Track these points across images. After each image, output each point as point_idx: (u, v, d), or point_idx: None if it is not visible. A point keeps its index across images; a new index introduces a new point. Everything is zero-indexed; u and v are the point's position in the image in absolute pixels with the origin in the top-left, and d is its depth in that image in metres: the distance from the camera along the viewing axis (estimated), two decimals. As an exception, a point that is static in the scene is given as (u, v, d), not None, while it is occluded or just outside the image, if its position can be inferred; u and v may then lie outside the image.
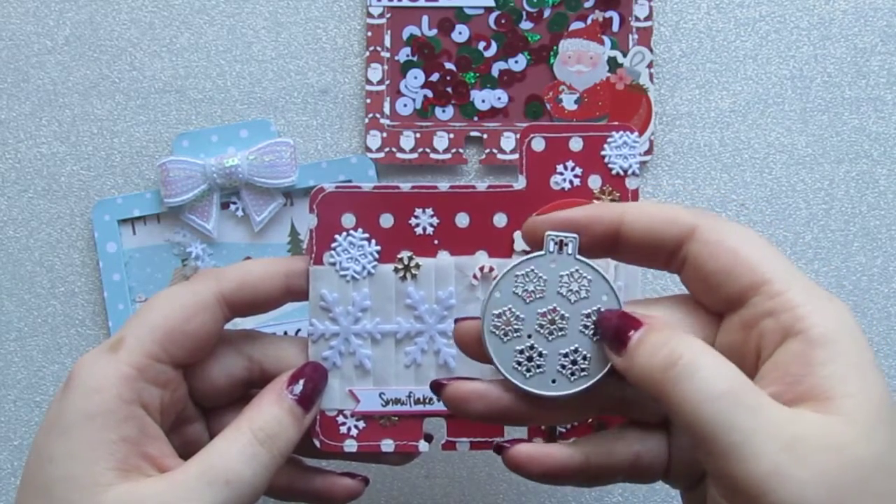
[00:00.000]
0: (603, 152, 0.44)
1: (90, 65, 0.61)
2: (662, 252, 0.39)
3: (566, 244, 0.40)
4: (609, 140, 0.44)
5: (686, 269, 0.39)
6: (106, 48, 0.61)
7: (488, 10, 0.60)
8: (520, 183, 0.44)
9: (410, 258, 0.44)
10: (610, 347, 0.38)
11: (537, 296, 0.40)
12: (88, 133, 0.61)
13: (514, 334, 0.40)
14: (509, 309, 0.40)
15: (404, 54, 0.61)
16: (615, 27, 0.60)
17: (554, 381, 0.40)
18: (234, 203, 0.60)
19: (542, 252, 0.40)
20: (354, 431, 0.44)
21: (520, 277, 0.40)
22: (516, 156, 0.60)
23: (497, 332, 0.40)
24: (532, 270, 0.40)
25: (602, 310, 0.40)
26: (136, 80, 0.61)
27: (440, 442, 0.45)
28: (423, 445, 0.45)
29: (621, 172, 0.44)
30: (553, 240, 0.40)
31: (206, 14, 0.61)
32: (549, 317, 0.40)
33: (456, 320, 0.41)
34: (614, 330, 0.38)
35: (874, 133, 0.60)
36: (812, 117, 0.60)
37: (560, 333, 0.40)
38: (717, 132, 0.61)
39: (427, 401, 0.44)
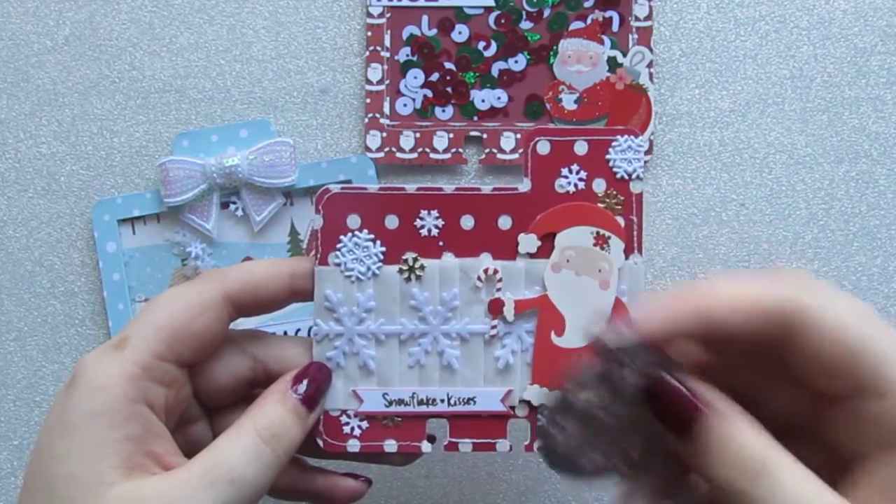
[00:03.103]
0: (608, 156, 0.44)
1: (90, 65, 0.61)
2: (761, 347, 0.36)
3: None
4: (614, 144, 0.44)
5: (790, 353, 0.36)
6: (106, 48, 0.61)
7: (488, 9, 0.61)
8: (524, 185, 0.44)
9: (415, 259, 0.44)
10: (669, 428, 0.36)
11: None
12: (88, 133, 0.61)
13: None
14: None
15: (404, 54, 0.61)
16: (615, 27, 0.60)
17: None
18: (234, 203, 0.60)
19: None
20: (358, 432, 0.44)
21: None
22: (516, 156, 0.60)
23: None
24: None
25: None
26: (136, 80, 0.61)
27: (443, 443, 0.45)
28: (425, 446, 0.45)
29: (626, 176, 0.44)
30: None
31: (206, 14, 0.61)
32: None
33: None
34: (674, 411, 0.35)
35: (874, 133, 0.60)
36: (812, 117, 0.61)
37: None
38: (717, 132, 0.61)
39: (430, 402, 0.44)
